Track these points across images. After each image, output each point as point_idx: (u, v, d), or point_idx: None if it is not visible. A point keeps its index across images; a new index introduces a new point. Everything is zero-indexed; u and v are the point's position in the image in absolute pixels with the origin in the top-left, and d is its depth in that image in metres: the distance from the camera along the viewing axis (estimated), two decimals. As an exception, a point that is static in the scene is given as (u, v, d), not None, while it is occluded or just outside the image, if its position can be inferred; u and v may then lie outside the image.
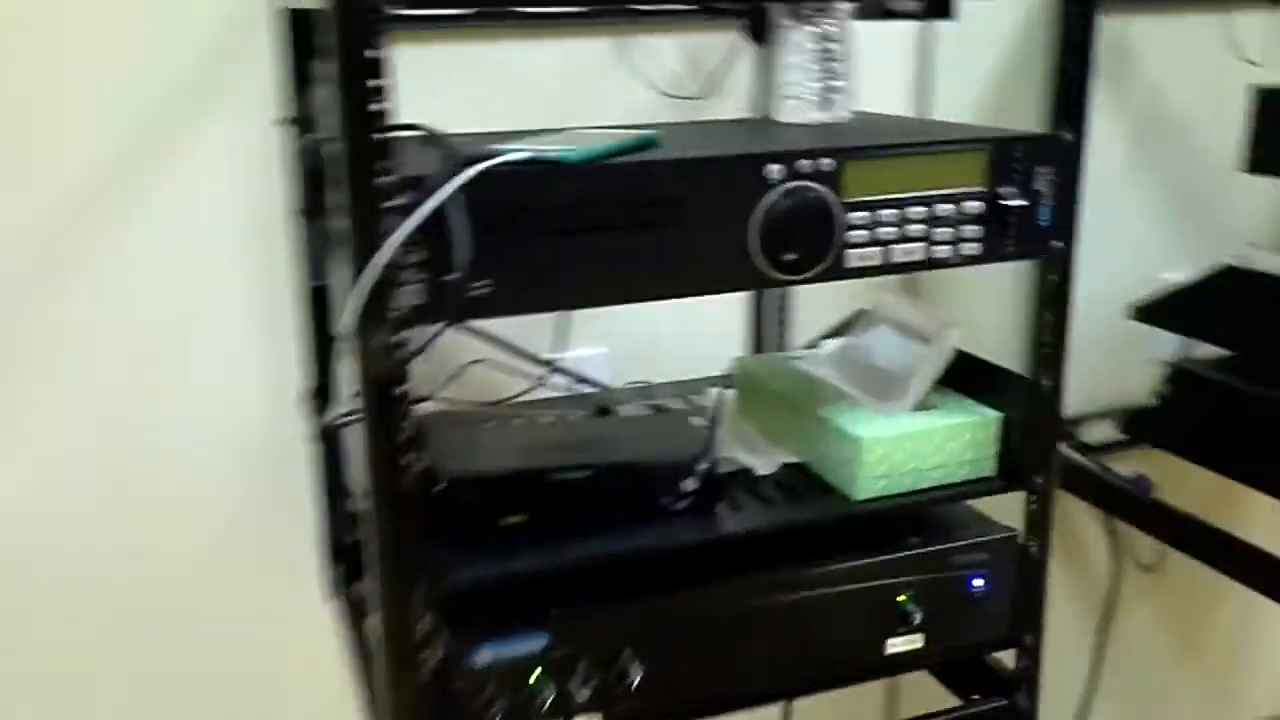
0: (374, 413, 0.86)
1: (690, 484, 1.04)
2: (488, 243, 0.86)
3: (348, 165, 0.82)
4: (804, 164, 0.93)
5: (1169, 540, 1.64)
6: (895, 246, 0.97)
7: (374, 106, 0.81)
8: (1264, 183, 1.59)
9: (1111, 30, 1.57)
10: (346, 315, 0.84)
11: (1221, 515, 1.59)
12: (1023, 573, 1.10)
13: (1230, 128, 1.55)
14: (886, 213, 0.96)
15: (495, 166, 0.86)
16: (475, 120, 1.13)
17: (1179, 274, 1.56)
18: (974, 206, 0.98)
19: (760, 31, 1.41)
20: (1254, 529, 1.54)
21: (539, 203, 0.87)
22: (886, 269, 0.98)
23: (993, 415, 1.09)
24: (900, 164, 0.96)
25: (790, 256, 0.94)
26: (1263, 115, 1.38)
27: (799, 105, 1.14)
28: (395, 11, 0.80)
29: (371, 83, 0.80)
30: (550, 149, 0.90)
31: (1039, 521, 1.09)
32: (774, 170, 0.92)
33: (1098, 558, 1.87)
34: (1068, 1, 0.97)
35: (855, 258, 0.96)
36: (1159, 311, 1.51)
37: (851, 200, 0.95)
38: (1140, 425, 1.55)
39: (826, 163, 0.94)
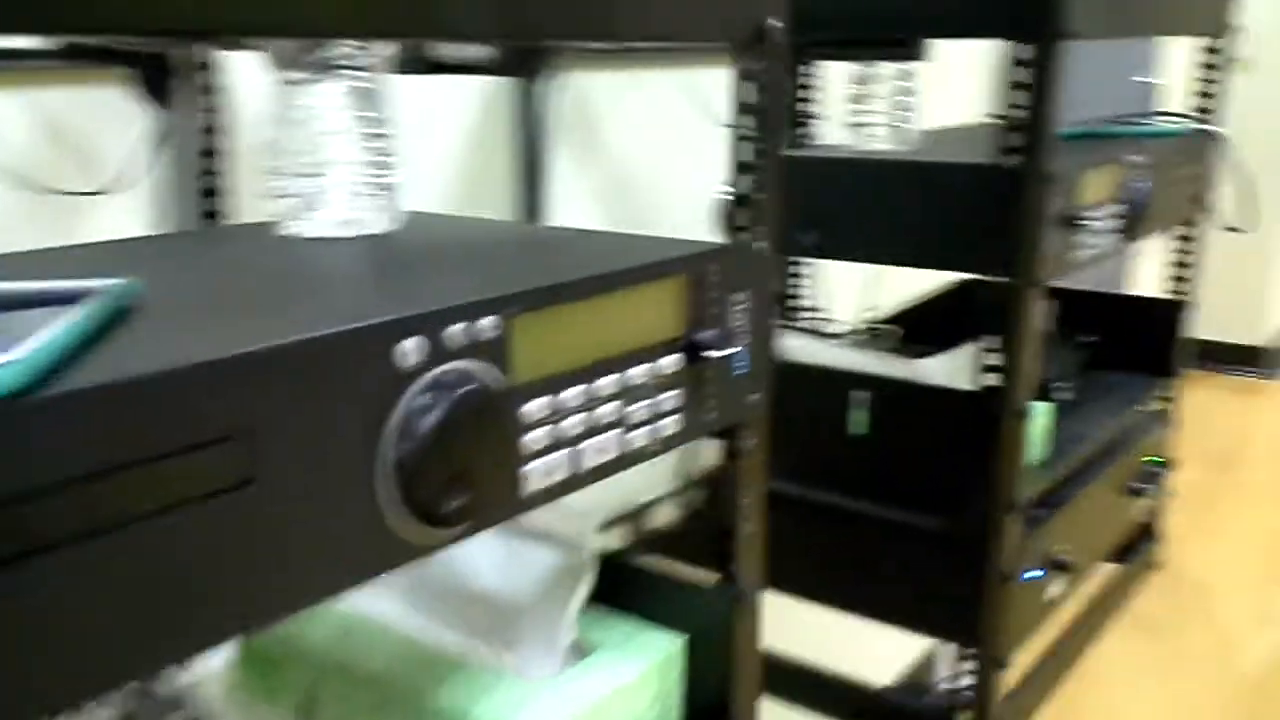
0: None
1: None
2: None
3: None
4: (455, 333, 0.51)
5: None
6: (586, 444, 0.59)
7: None
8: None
9: (573, 90, 1.32)
10: None
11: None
12: None
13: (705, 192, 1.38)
14: (571, 394, 0.58)
15: None
16: None
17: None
18: (671, 364, 0.64)
19: (162, 88, 0.93)
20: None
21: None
22: (576, 482, 0.59)
23: (676, 642, 0.76)
24: (582, 312, 0.58)
25: (454, 503, 0.51)
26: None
27: (326, 209, 0.70)
28: None
29: None
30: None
31: (751, 777, 0.78)
32: (410, 351, 0.50)
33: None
34: (755, 63, 0.67)
35: (537, 475, 0.57)
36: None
37: (526, 384, 0.55)
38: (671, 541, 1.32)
39: (488, 325, 0.53)
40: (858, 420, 1.22)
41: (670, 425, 0.64)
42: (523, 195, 1.27)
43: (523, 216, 1.25)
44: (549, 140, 1.29)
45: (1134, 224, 1.20)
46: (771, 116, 0.68)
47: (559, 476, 0.58)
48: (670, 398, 0.64)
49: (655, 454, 0.64)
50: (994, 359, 1.08)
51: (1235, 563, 1.98)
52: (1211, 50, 1.43)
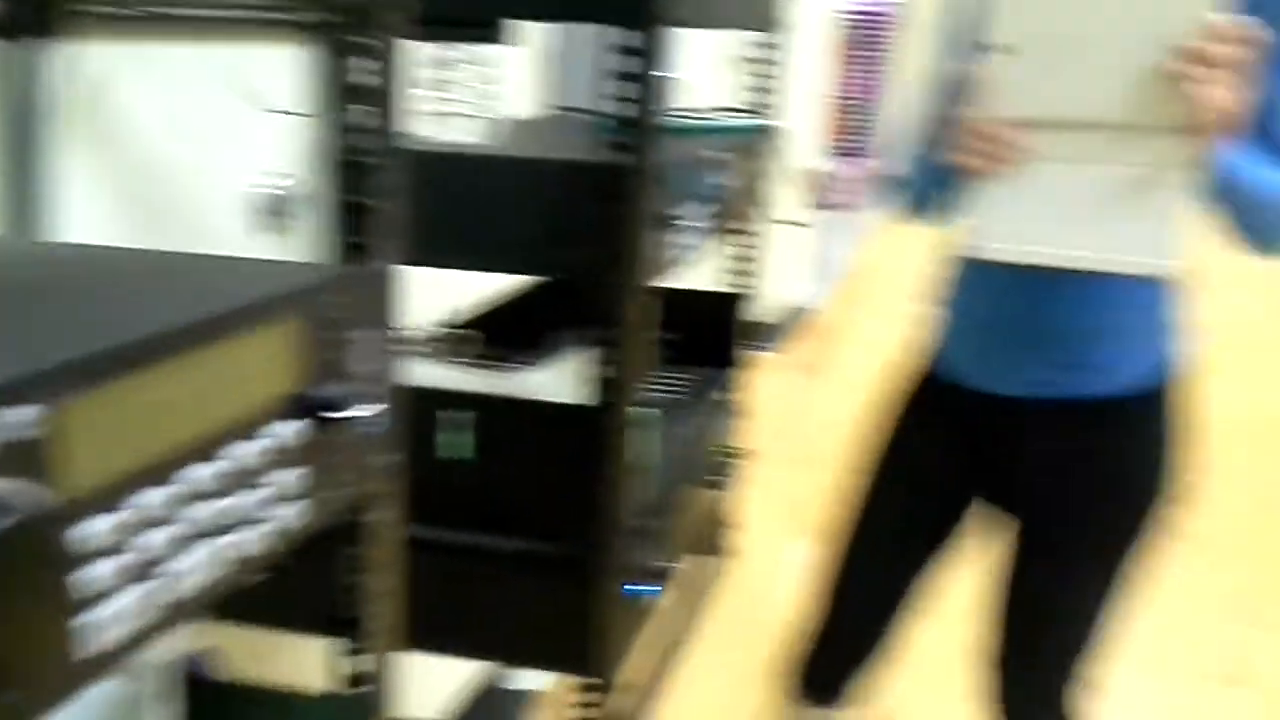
0: None
1: None
2: None
3: None
4: (-37, 440, 0.32)
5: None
6: (174, 567, 0.42)
7: None
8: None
9: (80, 62, 1.06)
10: None
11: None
12: None
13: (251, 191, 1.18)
14: (148, 500, 0.40)
15: None
16: None
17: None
18: (285, 436, 0.48)
19: None
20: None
21: None
22: (163, 624, 0.42)
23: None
24: (158, 381, 0.40)
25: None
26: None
27: None
28: None
29: None
30: None
31: None
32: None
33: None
34: (370, 37, 0.52)
35: (105, 627, 0.38)
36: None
37: (81, 497, 0.37)
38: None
39: (19, 421, 0.34)
40: (449, 443, 1.09)
41: (292, 516, 0.48)
42: (11, 198, 0.99)
43: (11, 226, 0.98)
44: (48, 125, 1.03)
45: (721, 220, 1.18)
46: (392, 105, 0.53)
47: (136, 623, 0.40)
48: (287, 481, 0.48)
49: (273, 562, 0.47)
50: (600, 368, 0.99)
51: (762, 526, 2.09)
52: (767, 45, 1.46)
